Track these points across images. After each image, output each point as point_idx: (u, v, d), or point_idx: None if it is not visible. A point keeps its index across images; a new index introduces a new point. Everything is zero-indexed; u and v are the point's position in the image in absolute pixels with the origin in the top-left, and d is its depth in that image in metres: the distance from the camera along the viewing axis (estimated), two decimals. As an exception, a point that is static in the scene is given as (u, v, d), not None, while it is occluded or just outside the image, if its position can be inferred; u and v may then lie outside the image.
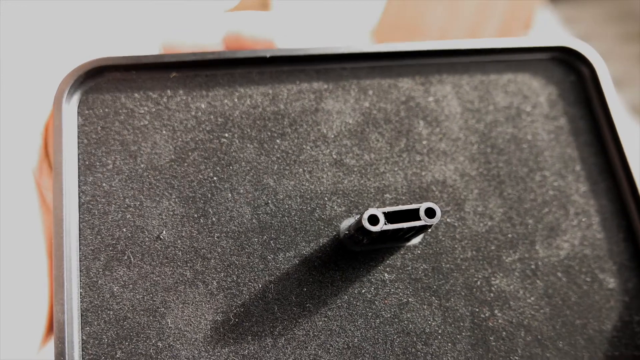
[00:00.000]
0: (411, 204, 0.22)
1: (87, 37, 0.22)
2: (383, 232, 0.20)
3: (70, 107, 0.21)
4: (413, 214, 0.20)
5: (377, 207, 0.22)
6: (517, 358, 0.21)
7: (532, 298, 0.22)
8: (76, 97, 0.21)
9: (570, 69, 0.26)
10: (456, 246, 0.22)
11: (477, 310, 0.22)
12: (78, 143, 0.21)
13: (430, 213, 0.20)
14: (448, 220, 0.23)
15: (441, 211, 0.23)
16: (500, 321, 0.22)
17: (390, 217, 0.20)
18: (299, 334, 0.20)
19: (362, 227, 0.19)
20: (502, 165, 0.24)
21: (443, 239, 0.22)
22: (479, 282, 0.22)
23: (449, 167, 0.24)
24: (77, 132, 0.21)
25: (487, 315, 0.22)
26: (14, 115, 0.20)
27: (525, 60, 0.26)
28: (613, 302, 0.23)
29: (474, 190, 0.23)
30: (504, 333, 0.21)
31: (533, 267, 0.23)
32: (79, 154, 0.21)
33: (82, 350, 0.19)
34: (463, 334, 0.21)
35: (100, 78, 0.22)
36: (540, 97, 0.25)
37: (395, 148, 0.23)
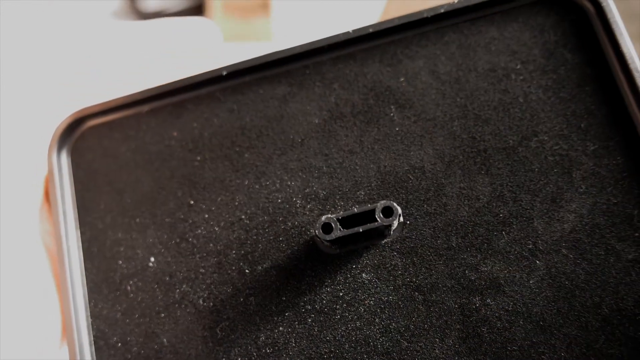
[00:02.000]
0: (385, 199, 0.22)
1: (71, 88, 0.25)
2: (347, 235, 0.20)
3: (62, 159, 0.24)
4: (372, 215, 0.20)
5: (344, 208, 0.22)
6: (515, 348, 0.20)
7: (532, 281, 0.20)
8: (66, 149, 0.24)
9: (568, 8, 0.22)
10: (439, 235, 0.21)
11: (466, 301, 0.20)
12: (74, 189, 0.24)
13: (387, 212, 0.19)
14: (428, 209, 0.21)
15: (420, 200, 0.22)
16: (494, 310, 0.20)
17: (348, 220, 0.20)
18: (281, 342, 0.21)
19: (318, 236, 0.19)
20: (489, 138, 0.22)
21: (423, 229, 0.21)
22: (466, 271, 0.21)
23: (427, 151, 0.22)
24: (71, 179, 0.24)
25: (477, 305, 0.20)
26: (17, 166, 0.23)
27: (509, 10, 0.23)
28: (635, 275, 0.20)
29: (457, 171, 0.22)
30: (499, 322, 0.20)
31: (531, 246, 0.21)
32: (75, 199, 0.23)
33: None
34: (452, 327, 0.20)
35: (83, 127, 0.24)
36: (533, 49, 0.22)
37: (365, 141, 0.22)
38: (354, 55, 0.23)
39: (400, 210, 0.19)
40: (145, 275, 0.22)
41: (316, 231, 0.19)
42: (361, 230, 0.19)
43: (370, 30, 0.23)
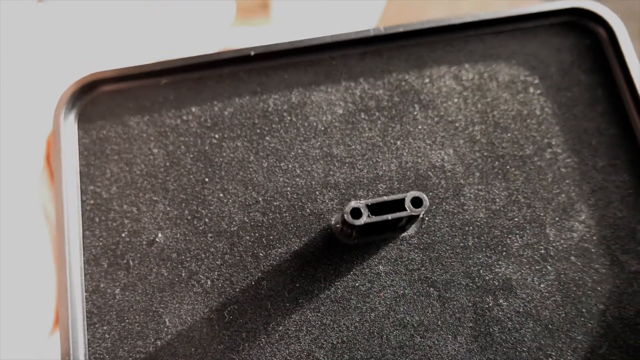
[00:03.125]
0: (406, 192, 0.22)
1: (85, 48, 0.23)
2: (370, 225, 0.20)
3: (69, 122, 0.22)
4: (400, 204, 0.20)
5: (365, 199, 0.22)
6: (525, 349, 0.20)
7: (542, 285, 0.21)
8: (74, 112, 0.23)
9: (584, 32, 0.24)
10: (455, 234, 0.21)
11: (479, 300, 0.21)
12: (79, 155, 0.22)
13: (416, 202, 0.19)
14: (446, 207, 0.22)
15: (440, 198, 0.22)
16: (505, 311, 0.20)
17: (375, 208, 0.20)
18: (292, 330, 0.20)
19: (346, 220, 0.19)
20: (507, 145, 0.23)
21: (441, 227, 0.21)
22: (481, 271, 0.21)
23: (448, 152, 0.22)
24: (77, 145, 0.22)
25: (490, 304, 0.21)
26: (18, 129, 0.21)
27: (531, 28, 0.24)
28: (637, 286, 0.21)
29: (476, 173, 0.22)
30: (510, 323, 0.20)
31: (543, 252, 0.21)
32: (79, 165, 0.22)
33: (88, 350, 0.20)
34: (464, 325, 0.20)
35: (95, 91, 0.23)
36: (551, 67, 0.24)
37: (388, 136, 0.23)
38: (381, 52, 0.24)
39: (428, 202, 0.19)
40: (150, 251, 0.21)
41: (345, 215, 0.19)
42: (390, 218, 0.19)
43: (401, 29, 0.23)
